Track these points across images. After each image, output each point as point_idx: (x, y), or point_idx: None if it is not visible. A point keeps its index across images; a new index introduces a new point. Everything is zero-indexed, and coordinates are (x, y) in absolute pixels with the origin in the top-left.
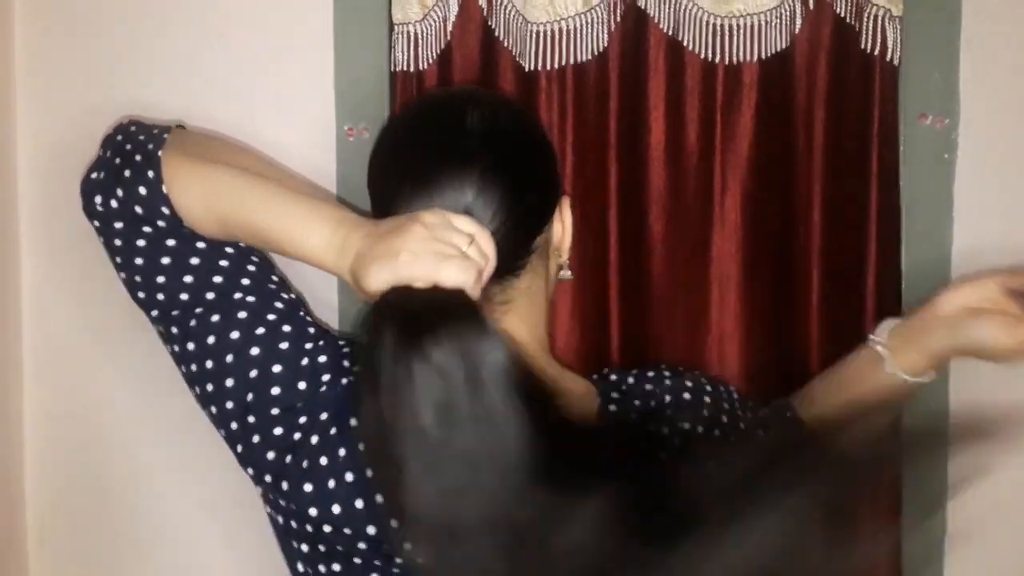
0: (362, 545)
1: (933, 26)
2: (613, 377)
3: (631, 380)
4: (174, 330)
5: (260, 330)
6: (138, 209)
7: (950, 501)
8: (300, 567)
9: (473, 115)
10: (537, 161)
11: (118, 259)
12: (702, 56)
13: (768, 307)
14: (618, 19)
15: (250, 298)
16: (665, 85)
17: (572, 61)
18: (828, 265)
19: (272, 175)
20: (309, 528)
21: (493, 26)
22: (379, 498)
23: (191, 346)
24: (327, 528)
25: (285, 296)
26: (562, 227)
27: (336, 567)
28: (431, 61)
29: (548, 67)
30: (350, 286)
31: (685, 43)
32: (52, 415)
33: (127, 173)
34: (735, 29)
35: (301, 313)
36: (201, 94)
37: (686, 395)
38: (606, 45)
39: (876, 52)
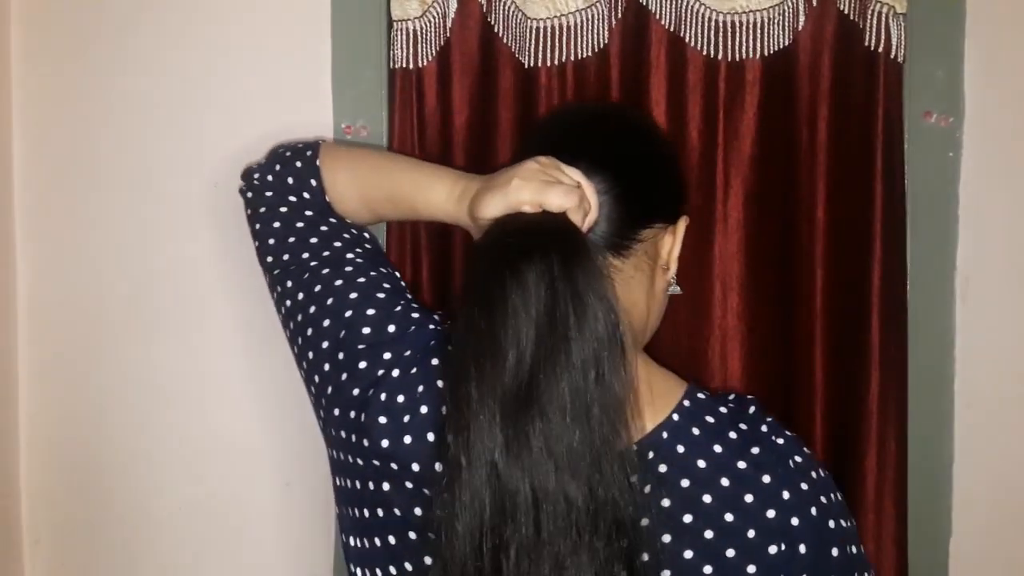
0: (425, 490)
1: (937, 23)
2: (720, 406)
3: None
4: (289, 283)
5: (361, 279)
6: (290, 180)
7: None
8: (355, 512)
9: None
10: (657, 162)
11: (258, 225)
12: (704, 53)
13: (771, 306)
14: (619, 15)
15: (360, 260)
16: (666, 82)
17: (573, 58)
18: (832, 263)
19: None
20: (376, 463)
21: (492, 23)
22: (431, 436)
23: (300, 296)
24: (394, 465)
25: (390, 270)
26: (673, 241)
27: (397, 512)
28: (430, 58)
29: (548, 64)
30: (470, 230)
31: (687, 40)
32: (48, 416)
33: (288, 154)
34: (738, 26)
35: (403, 283)
36: (199, 91)
37: (752, 533)
38: (607, 42)
39: (880, 49)
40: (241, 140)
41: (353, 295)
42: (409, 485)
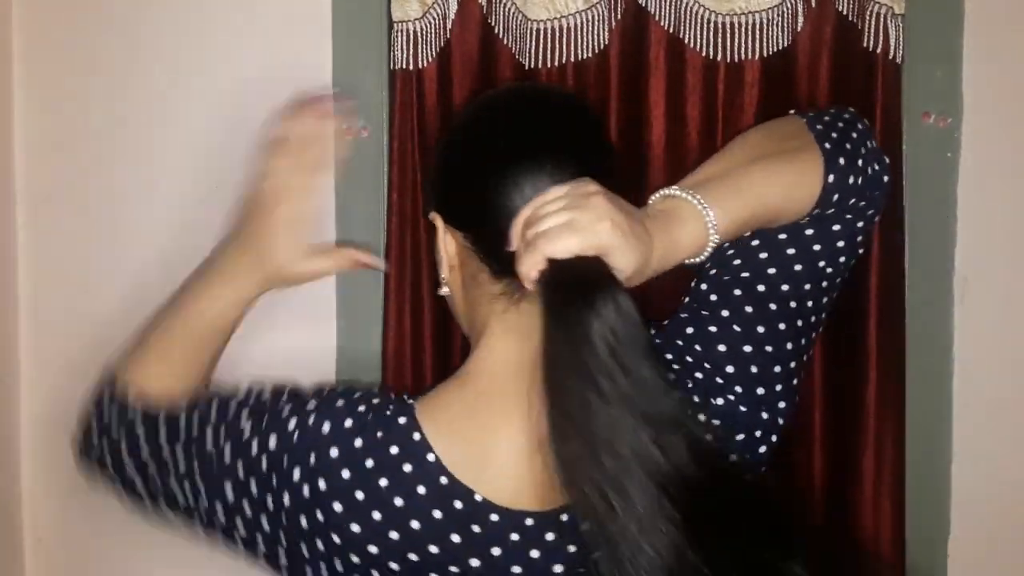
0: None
1: (936, 24)
2: None
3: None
4: (203, 514)
5: (219, 428)
6: (115, 435)
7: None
8: None
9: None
10: None
11: (137, 498)
12: (703, 54)
13: None
14: (619, 17)
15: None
16: (666, 83)
17: (572, 59)
18: None
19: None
20: (376, 568)
21: (493, 24)
22: (437, 513)
23: (218, 511)
24: (393, 565)
25: (241, 406)
26: None
27: None
28: (430, 59)
29: (548, 65)
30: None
31: (686, 41)
32: (48, 415)
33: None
34: (736, 27)
35: (263, 399)
36: (199, 93)
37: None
38: (607, 43)
39: (878, 50)
40: (243, 141)
41: (227, 445)
42: (413, 562)
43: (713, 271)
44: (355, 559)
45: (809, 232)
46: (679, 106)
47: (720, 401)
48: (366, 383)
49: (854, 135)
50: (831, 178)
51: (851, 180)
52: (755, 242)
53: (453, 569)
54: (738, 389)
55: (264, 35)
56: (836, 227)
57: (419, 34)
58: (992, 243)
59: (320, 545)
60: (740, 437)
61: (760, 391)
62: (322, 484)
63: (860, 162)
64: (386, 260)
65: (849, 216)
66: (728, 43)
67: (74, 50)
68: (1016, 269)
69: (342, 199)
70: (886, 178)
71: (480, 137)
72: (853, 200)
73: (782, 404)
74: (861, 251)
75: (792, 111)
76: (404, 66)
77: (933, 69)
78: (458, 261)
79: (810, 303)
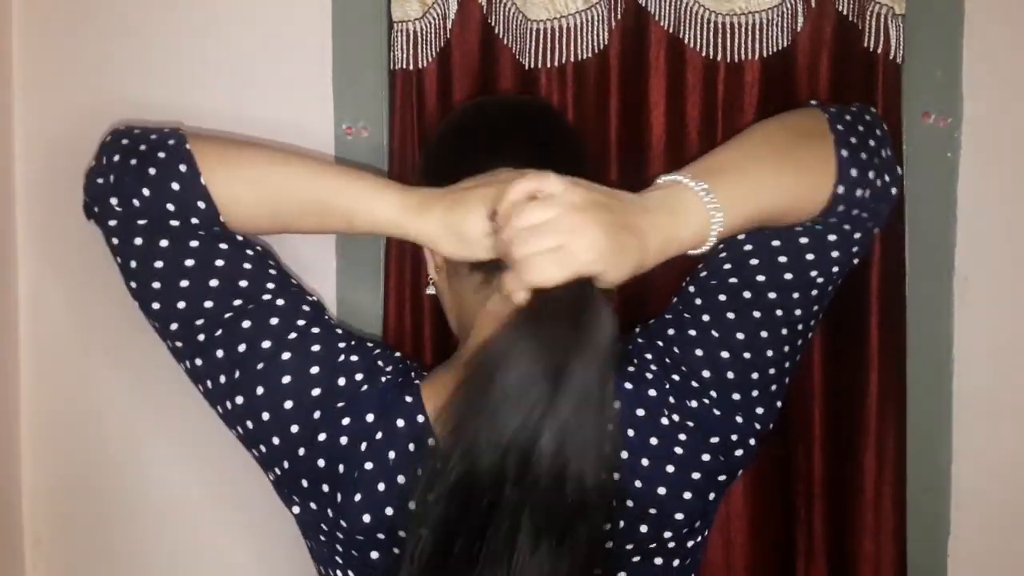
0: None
1: (936, 24)
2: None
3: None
4: (200, 337)
5: (292, 335)
6: (170, 207)
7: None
8: (338, 573)
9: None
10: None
11: (133, 263)
12: (703, 54)
13: None
14: (619, 17)
15: (279, 301)
16: (666, 83)
17: (572, 59)
18: None
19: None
20: (360, 537)
21: (493, 24)
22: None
23: (220, 353)
24: (380, 535)
25: (310, 299)
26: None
27: None
28: (430, 59)
29: (548, 65)
30: (429, 244)
31: (686, 41)
32: (49, 415)
33: (152, 171)
34: (736, 27)
35: (326, 316)
36: (199, 92)
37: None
38: (606, 43)
39: (879, 50)
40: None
41: (286, 355)
42: (397, 551)
43: (703, 273)
44: (343, 523)
45: (804, 240)
46: (679, 106)
47: (694, 404)
48: None
49: (871, 142)
50: (840, 189)
51: (859, 193)
52: (747, 247)
53: None
54: (713, 394)
55: (264, 35)
56: (832, 237)
57: (419, 34)
58: (992, 243)
59: (325, 488)
60: (714, 440)
61: (736, 397)
62: (363, 446)
63: (871, 174)
64: (386, 260)
65: (848, 227)
66: (728, 43)
67: (71, 51)
68: (1016, 269)
69: None
70: (894, 191)
71: (452, 139)
72: (856, 211)
73: (760, 410)
74: (856, 261)
75: (813, 101)
76: (404, 66)
77: (933, 69)
78: (442, 258)
79: (798, 311)
